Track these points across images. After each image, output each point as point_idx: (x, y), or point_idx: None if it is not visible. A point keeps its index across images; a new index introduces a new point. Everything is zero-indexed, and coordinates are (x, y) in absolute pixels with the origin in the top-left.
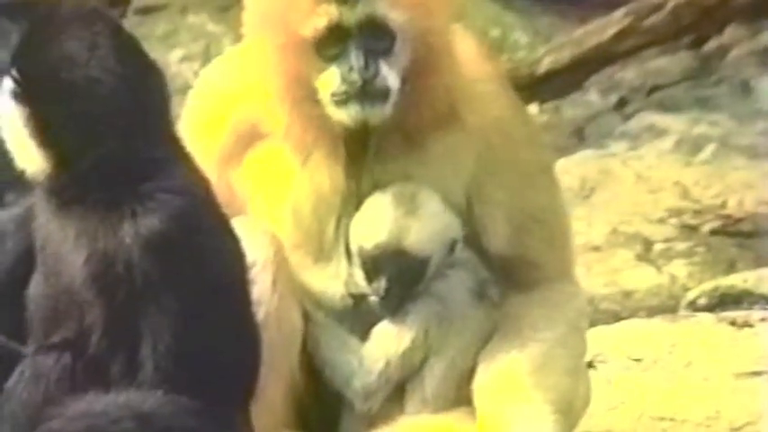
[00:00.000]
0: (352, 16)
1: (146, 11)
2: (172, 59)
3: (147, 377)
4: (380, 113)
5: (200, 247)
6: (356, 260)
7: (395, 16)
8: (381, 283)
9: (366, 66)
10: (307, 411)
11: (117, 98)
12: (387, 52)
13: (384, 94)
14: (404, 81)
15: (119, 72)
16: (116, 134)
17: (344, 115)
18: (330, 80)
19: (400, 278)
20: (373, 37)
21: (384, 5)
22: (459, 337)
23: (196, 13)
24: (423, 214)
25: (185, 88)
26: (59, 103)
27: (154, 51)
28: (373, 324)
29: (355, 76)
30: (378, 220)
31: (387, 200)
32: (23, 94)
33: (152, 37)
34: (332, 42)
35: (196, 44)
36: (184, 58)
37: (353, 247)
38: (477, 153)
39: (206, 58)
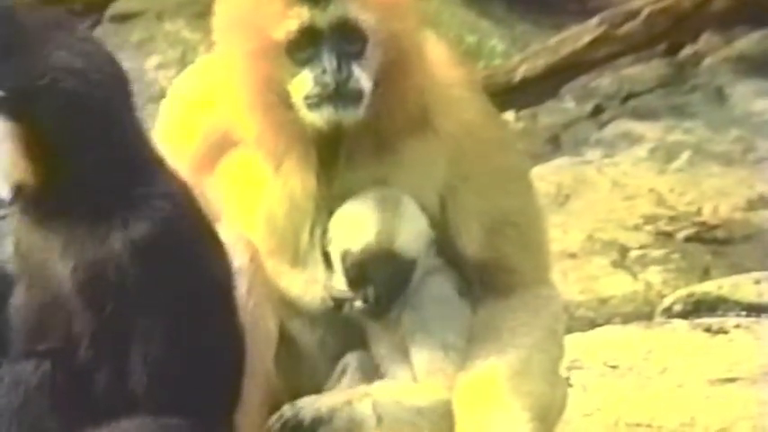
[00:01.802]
0: (324, 18)
1: (121, 18)
2: (148, 67)
3: (137, 385)
4: (353, 115)
5: (190, 252)
6: (339, 266)
7: (366, 18)
8: (369, 290)
9: (339, 68)
10: None
11: (113, 102)
12: (359, 55)
13: (357, 96)
14: (376, 84)
15: (114, 74)
16: (109, 138)
17: (317, 118)
18: (303, 83)
19: (389, 282)
20: (345, 39)
21: (355, 8)
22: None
23: (172, 21)
24: (407, 215)
25: (161, 96)
26: (59, 112)
27: (130, 59)
28: (355, 327)
29: (328, 79)
30: (363, 224)
31: (369, 203)
32: (14, 109)
33: (128, 44)
34: (304, 45)
35: (172, 51)
36: (160, 66)
37: (336, 254)
38: (449, 158)
39: (182, 65)
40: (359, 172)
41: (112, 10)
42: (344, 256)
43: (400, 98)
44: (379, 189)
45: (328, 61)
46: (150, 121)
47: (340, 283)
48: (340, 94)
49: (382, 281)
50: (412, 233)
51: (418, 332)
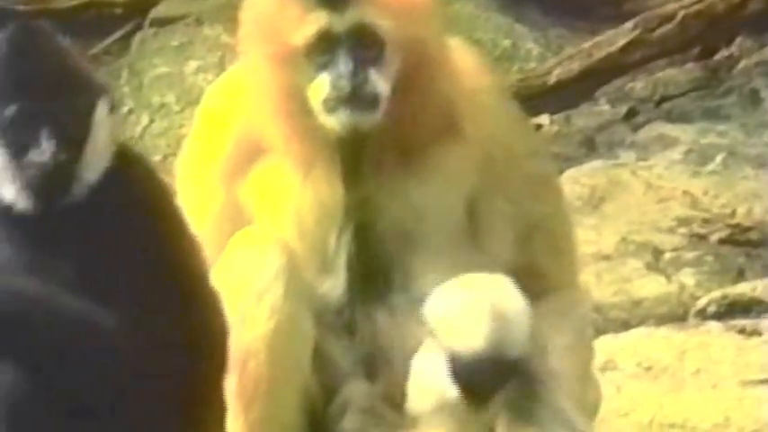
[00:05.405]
0: (341, 23)
1: (162, 22)
2: (187, 71)
3: None
4: (370, 120)
5: None
6: (444, 364)
7: (384, 24)
8: (482, 399)
9: (355, 72)
10: (321, 420)
11: None
12: (376, 60)
13: (373, 101)
14: (396, 91)
15: None
16: None
17: (334, 121)
18: (320, 88)
19: (499, 386)
20: (362, 45)
21: (373, 13)
22: None
23: (211, 25)
24: (517, 318)
25: (201, 99)
26: None
27: (170, 63)
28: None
29: (344, 82)
30: (474, 330)
31: (480, 304)
32: None
33: (168, 48)
34: (322, 50)
35: (211, 56)
36: (199, 70)
37: (441, 349)
38: (478, 165)
39: (220, 69)
40: (384, 178)
41: (154, 14)
42: (451, 358)
43: (423, 104)
44: (484, 279)
45: (344, 65)
46: (189, 125)
47: (444, 379)
48: (356, 97)
49: (491, 386)
50: (523, 336)
51: None
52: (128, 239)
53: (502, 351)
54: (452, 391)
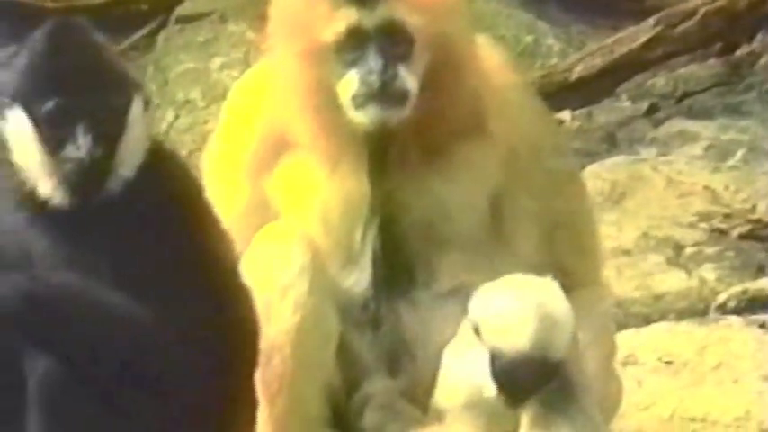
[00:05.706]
0: (371, 20)
1: (187, 19)
2: (212, 67)
3: None
4: (399, 115)
5: None
6: (488, 362)
7: (413, 20)
8: (519, 398)
9: (385, 68)
10: (344, 413)
11: None
12: (405, 57)
13: (402, 97)
14: (425, 87)
15: None
16: None
17: (364, 117)
18: (350, 84)
19: (538, 386)
20: (392, 41)
21: (403, 10)
22: None
23: (236, 22)
24: (562, 320)
25: (225, 95)
26: None
27: (195, 59)
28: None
29: (374, 79)
30: (519, 330)
31: (530, 307)
32: None
33: (193, 44)
34: (351, 46)
35: (236, 52)
36: (224, 66)
37: (488, 348)
38: (503, 162)
39: (245, 65)
40: (410, 175)
41: (179, 11)
42: (494, 356)
43: (451, 101)
44: (532, 281)
45: (374, 61)
46: (214, 121)
47: (483, 370)
48: (385, 93)
49: (531, 386)
50: (566, 338)
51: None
52: (162, 235)
53: (545, 352)
54: (490, 389)
